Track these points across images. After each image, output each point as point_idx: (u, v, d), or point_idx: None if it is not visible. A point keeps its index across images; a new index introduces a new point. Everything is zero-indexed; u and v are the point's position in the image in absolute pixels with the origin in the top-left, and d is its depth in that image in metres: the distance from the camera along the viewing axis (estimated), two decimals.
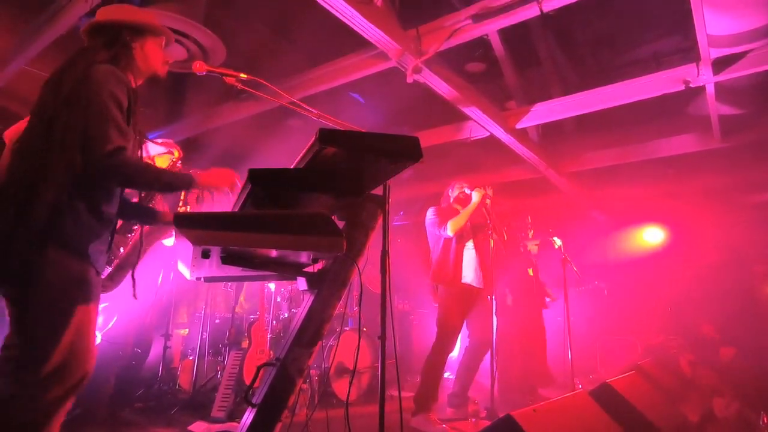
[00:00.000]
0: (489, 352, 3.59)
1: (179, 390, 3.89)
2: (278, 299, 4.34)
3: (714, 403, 4.13)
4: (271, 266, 1.67)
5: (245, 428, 1.69)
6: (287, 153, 5.34)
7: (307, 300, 1.90)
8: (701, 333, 6.08)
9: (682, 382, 4.76)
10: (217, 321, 4.40)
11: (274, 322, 4.26)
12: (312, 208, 1.65)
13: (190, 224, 1.22)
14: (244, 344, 3.71)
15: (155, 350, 3.76)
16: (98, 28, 1.67)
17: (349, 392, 1.75)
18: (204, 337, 3.97)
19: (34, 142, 1.47)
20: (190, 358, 4.14)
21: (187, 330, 4.68)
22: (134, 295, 1.62)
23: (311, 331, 1.84)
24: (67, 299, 1.41)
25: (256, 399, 1.79)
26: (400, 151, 1.52)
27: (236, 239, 1.25)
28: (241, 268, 1.61)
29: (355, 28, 2.89)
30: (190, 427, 3.08)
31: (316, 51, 3.74)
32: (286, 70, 3.80)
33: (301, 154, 1.57)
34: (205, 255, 1.36)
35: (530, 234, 5.08)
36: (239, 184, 1.79)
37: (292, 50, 3.83)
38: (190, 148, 4.72)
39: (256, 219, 1.29)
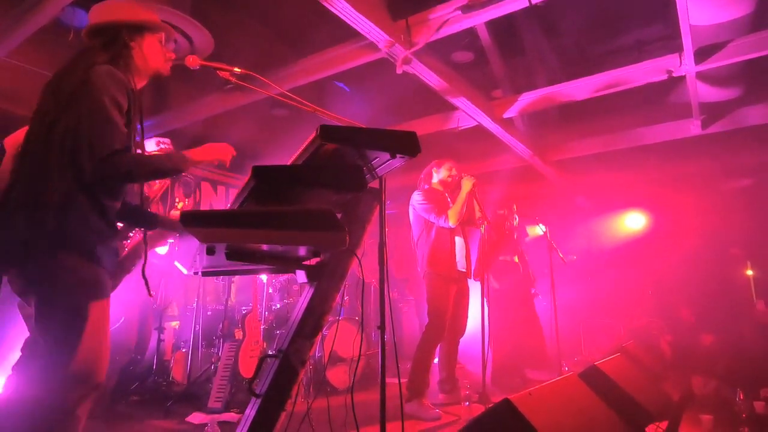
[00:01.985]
0: (482, 336, 3.65)
1: (173, 382, 3.90)
2: (270, 290, 4.36)
3: (693, 381, 4.30)
4: (273, 260, 1.69)
5: (250, 419, 1.73)
6: (274, 142, 5.33)
7: (307, 292, 1.94)
8: (680, 316, 6.29)
9: (663, 363, 4.94)
10: (209, 313, 4.40)
11: (266, 313, 4.28)
12: (312, 202, 1.67)
13: (197, 222, 1.24)
14: (238, 336, 3.73)
15: (150, 346, 3.77)
16: (97, 30, 1.66)
17: (354, 380, 1.80)
18: (197, 329, 3.98)
19: (35, 146, 1.47)
20: (183, 350, 4.15)
21: (177, 323, 4.67)
22: (149, 293, 1.64)
23: (312, 322, 1.88)
24: (84, 302, 1.43)
25: (260, 390, 1.83)
26: (400, 146, 1.55)
27: (243, 236, 1.27)
28: (241, 262, 1.63)
29: (345, 19, 2.88)
30: (188, 419, 3.11)
31: (303, 42, 3.72)
32: (273, 60, 3.78)
33: (301, 149, 1.59)
34: (211, 251, 1.38)
35: (515, 222, 5.16)
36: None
37: (279, 41, 3.80)
38: (175, 139, 4.67)
39: (263, 216, 1.31)
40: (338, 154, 1.56)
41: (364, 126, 1.75)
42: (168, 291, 3.96)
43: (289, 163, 1.62)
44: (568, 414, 1.80)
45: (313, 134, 1.50)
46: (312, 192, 1.60)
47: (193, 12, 3.11)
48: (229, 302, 4.29)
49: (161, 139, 2.70)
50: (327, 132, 1.45)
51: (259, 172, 1.37)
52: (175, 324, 4.51)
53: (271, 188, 1.46)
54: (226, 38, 3.39)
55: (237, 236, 1.27)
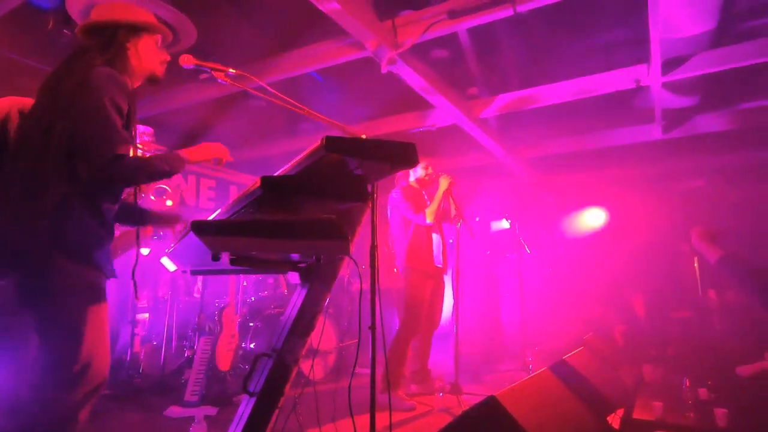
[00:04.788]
0: (455, 329, 3.80)
1: (144, 375, 3.86)
2: (245, 283, 4.34)
3: (643, 369, 4.61)
4: (272, 265, 1.73)
5: (246, 416, 1.78)
6: (248, 131, 5.21)
7: (300, 293, 1.99)
8: (632, 307, 6.68)
9: (617, 352, 5.25)
10: (180, 306, 4.35)
11: (240, 306, 4.27)
12: (311, 209, 1.71)
13: (209, 231, 1.27)
14: (215, 329, 3.73)
15: (122, 338, 3.71)
16: (93, 28, 1.63)
17: (355, 363, 1.86)
18: (170, 321, 3.94)
19: (32, 149, 1.44)
20: (154, 343, 4.10)
21: (147, 314, 4.59)
22: (136, 296, 1.65)
23: (305, 322, 1.94)
24: (84, 306, 1.43)
25: (253, 387, 1.88)
26: (400, 157, 1.61)
27: (255, 245, 1.31)
28: (244, 267, 1.66)
29: (333, 17, 2.89)
30: (165, 413, 3.11)
31: (286, 36, 3.68)
32: (254, 52, 3.73)
33: (302, 157, 1.62)
34: (216, 258, 1.40)
35: (476, 219, 5.33)
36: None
37: (261, 34, 3.74)
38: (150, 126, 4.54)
39: (275, 226, 1.35)
40: (340, 164, 1.61)
41: (354, 131, 1.81)
42: (140, 284, 3.89)
43: (286, 169, 1.66)
44: (545, 407, 1.94)
45: (317, 144, 1.54)
46: (313, 200, 1.64)
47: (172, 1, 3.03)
48: (196, 295, 4.24)
49: (143, 129, 2.64)
50: (332, 143, 1.49)
51: (267, 183, 1.40)
52: (144, 315, 4.43)
53: (275, 197, 1.49)
54: (206, 29, 3.31)
55: (248, 245, 1.31)
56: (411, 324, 3.65)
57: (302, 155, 1.62)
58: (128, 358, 3.69)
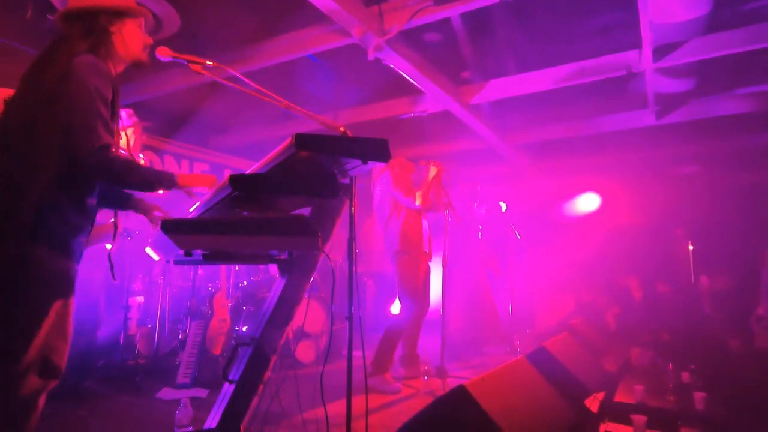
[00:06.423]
0: (441, 314, 3.85)
1: (139, 356, 3.94)
2: (237, 268, 4.40)
3: (632, 352, 4.69)
4: (247, 259, 1.76)
5: (225, 403, 1.84)
6: (241, 114, 5.17)
7: (279, 284, 2.03)
8: (627, 289, 6.76)
9: (606, 336, 5.35)
10: (174, 290, 4.42)
11: (232, 289, 4.34)
12: (285, 204, 1.74)
13: (178, 230, 1.30)
14: (207, 313, 3.80)
15: (116, 323, 3.78)
16: (73, 15, 1.59)
17: (328, 351, 1.91)
18: (163, 305, 4.01)
19: (15, 141, 1.44)
20: (148, 325, 4.18)
21: (142, 297, 4.66)
22: (113, 277, 1.67)
23: (284, 313, 1.99)
24: (49, 296, 1.45)
25: (233, 375, 1.94)
26: (372, 153, 1.62)
27: (224, 243, 1.34)
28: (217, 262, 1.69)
29: (317, 4, 2.86)
30: (158, 395, 3.20)
31: (271, 21, 3.64)
32: (241, 38, 3.70)
33: (274, 153, 1.64)
34: (188, 254, 1.44)
35: (474, 205, 5.35)
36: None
37: (248, 19, 3.70)
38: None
39: (242, 224, 1.38)
40: (312, 160, 1.63)
41: (335, 123, 1.82)
42: (132, 268, 3.94)
43: (259, 164, 1.67)
44: (517, 396, 2.00)
45: (287, 141, 1.55)
46: (286, 197, 1.66)
47: None
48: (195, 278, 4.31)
49: (124, 113, 2.65)
50: (302, 140, 1.51)
51: (237, 182, 1.42)
52: (139, 299, 4.51)
53: (247, 194, 1.52)
54: (191, 14, 3.28)
55: (218, 243, 1.34)
56: (408, 311, 3.68)
57: (273, 153, 1.63)
58: (122, 342, 3.77)
